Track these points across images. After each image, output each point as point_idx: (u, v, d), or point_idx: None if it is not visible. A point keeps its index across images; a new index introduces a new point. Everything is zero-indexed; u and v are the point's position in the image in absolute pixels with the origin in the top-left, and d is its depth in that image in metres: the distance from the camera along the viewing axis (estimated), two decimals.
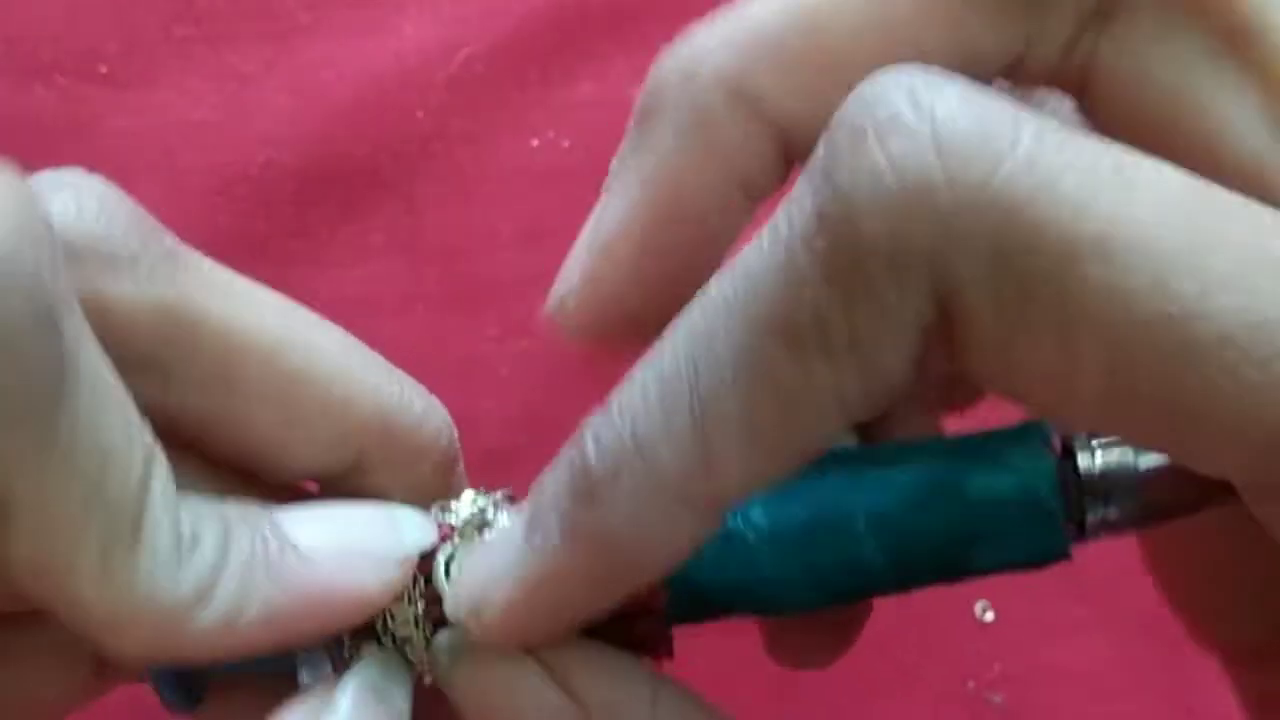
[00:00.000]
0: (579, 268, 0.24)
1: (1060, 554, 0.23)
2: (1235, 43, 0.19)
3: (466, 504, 0.26)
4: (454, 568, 0.25)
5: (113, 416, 0.22)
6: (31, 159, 0.30)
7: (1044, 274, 0.18)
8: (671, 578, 0.23)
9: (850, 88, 0.19)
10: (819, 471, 0.23)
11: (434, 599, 0.25)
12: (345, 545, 0.24)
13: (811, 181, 0.19)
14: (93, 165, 0.32)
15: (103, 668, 0.27)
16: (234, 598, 0.23)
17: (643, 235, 0.23)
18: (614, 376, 0.25)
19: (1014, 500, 0.23)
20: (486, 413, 0.41)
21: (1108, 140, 0.19)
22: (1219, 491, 0.20)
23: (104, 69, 0.42)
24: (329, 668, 0.25)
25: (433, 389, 0.28)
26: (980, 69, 0.21)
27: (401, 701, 0.25)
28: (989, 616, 0.40)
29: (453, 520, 0.25)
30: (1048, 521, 0.23)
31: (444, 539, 0.25)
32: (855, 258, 0.19)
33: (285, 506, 0.25)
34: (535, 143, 0.42)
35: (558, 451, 0.30)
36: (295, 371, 0.25)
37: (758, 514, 0.23)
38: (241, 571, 0.23)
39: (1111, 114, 0.21)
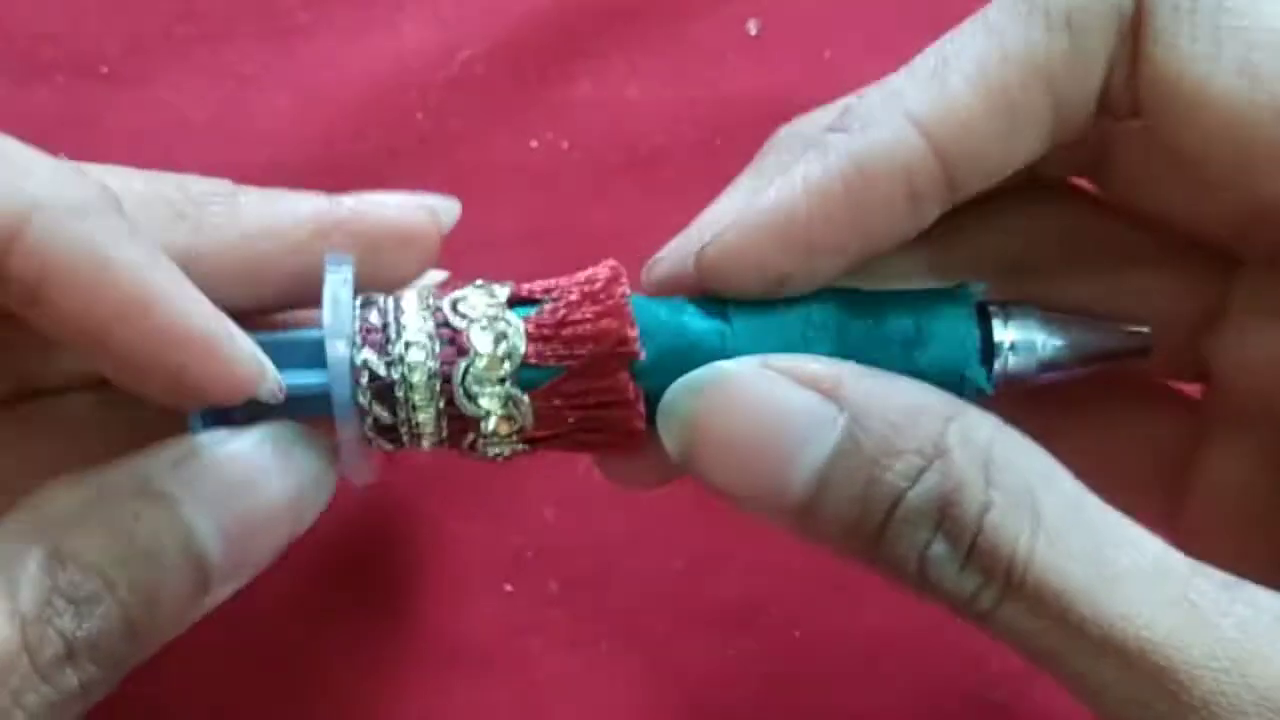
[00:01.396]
0: (734, 222, 0.28)
1: (977, 378, 0.30)
2: None
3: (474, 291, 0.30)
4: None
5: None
6: None
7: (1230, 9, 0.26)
8: (647, 371, 0.29)
9: (1008, 117, 0.27)
10: (800, 302, 0.29)
11: (449, 325, 0.29)
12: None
13: None
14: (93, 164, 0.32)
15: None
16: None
17: (817, 208, 0.28)
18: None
19: (943, 311, 0.30)
20: None
21: None
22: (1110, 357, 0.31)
23: (104, 69, 0.42)
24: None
25: None
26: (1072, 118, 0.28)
27: (311, 462, 0.28)
28: None
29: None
30: (968, 330, 0.30)
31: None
32: None
33: None
34: (534, 143, 0.42)
35: (557, 450, 0.29)
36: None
37: (739, 324, 0.29)
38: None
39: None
